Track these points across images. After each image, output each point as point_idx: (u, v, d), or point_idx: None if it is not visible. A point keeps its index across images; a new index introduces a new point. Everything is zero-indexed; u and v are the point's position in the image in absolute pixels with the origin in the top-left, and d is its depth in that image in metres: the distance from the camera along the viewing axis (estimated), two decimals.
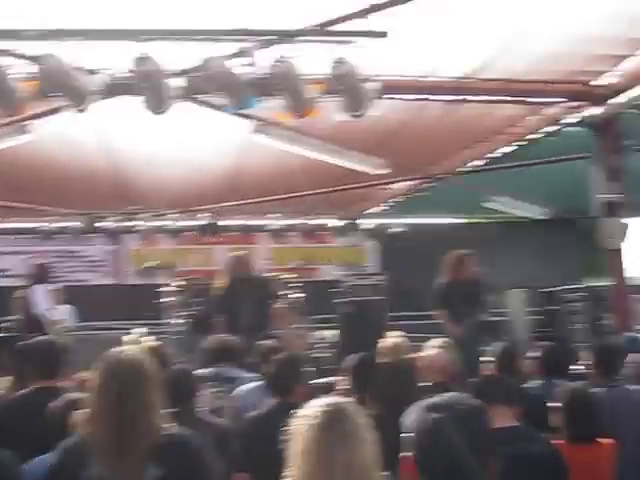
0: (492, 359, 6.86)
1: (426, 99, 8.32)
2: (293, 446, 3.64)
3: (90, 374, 4.54)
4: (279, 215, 15.11)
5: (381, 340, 8.44)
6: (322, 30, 6.37)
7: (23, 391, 6.13)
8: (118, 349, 4.19)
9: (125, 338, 14.44)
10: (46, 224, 14.93)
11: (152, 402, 3.92)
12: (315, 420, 3.62)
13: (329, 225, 16.14)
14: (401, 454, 2.70)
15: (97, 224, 15.06)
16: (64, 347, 6.47)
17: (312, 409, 3.69)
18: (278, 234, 15.65)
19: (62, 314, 12.46)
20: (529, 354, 7.86)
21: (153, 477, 3.81)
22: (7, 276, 18.50)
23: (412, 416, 2.69)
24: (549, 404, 5.92)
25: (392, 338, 8.52)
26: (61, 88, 6.26)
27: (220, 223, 15.31)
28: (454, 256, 11.66)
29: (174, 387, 4.41)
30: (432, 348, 7.98)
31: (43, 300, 12.24)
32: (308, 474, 3.56)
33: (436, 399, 2.78)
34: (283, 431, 4.99)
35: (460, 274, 11.61)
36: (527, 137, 9.97)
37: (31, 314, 12.50)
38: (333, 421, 3.61)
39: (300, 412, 3.71)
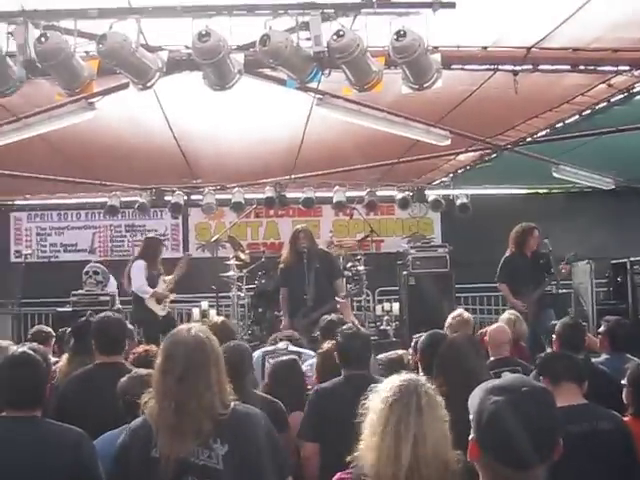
0: (558, 334, 6.77)
1: (492, 69, 8.17)
2: (368, 419, 3.67)
3: (155, 351, 4.58)
4: (343, 187, 15.04)
5: (448, 314, 8.43)
6: (388, 2, 6.29)
7: (87, 367, 6.22)
8: (183, 327, 4.23)
9: (193, 311, 14.73)
10: (112, 199, 15.05)
11: (216, 380, 3.95)
12: (391, 395, 3.64)
13: (393, 197, 16.03)
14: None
15: (162, 198, 15.14)
16: (125, 323, 6.57)
17: (388, 384, 3.71)
18: (342, 206, 15.59)
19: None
20: (597, 328, 7.78)
21: (218, 454, 3.84)
22: (74, 251, 18.79)
23: (476, 398, 2.64)
24: (617, 380, 5.84)
25: (460, 313, 8.50)
26: (125, 66, 6.29)
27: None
28: (520, 229, 11.58)
29: (229, 364, 4.41)
30: (499, 322, 7.94)
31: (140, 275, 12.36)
32: (381, 447, 3.56)
33: (499, 381, 2.74)
34: (354, 402, 5.05)
35: (526, 247, 11.52)
36: (595, 106, 9.76)
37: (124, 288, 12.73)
38: (408, 396, 3.62)
39: (377, 387, 3.75)
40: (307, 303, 10.81)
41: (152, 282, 12.27)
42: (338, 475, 4.67)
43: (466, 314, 8.50)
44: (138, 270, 12.37)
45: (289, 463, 4.79)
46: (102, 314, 6.79)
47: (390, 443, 3.48)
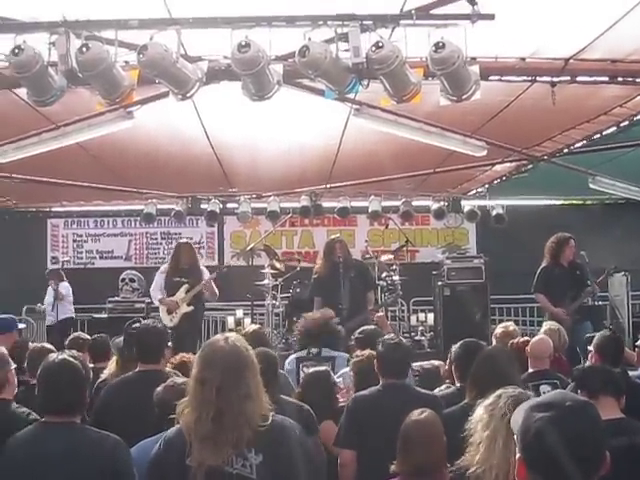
0: (597, 346, 6.73)
1: (530, 80, 8.16)
2: (476, 434, 3.70)
3: (191, 360, 4.61)
4: (378, 197, 15.03)
5: (483, 325, 8.43)
6: (427, 14, 6.30)
7: (127, 374, 6.28)
8: (219, 337, 4.24)
9: (228, 320, 14.76)
10: (148, 206, 15.15)
11: (253, 391, 3.97)
12: (498, 410, 3.67)
13: (429, 207, 16.01)
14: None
15: (198, 206, 15.21)
16: (165, 332, 6.61)
17: (498, 399, 3.75)
18: (377, 216, 15.57)
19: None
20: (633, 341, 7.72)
21: (253, 463, 3.85)
22: (110, 257, 18.94)
23: (519, 417, 2.63)
24: None
25: (507, 326, 8.52)
26: (165, 76, 6.34)
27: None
28: (556, 239, 11.52)
29: None
30: (541, 334, 7.91)
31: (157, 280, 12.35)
32: (489, 459, 3.59)
33: (542, 398, 2.73)
34: (393, 411, 5.08)
35: (562, 257, 11.46)
36: (633, 117, 9.70)
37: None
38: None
39: (483, 402, 3.79)
40: (342, 313, 10.80)
41: (170, 289, 12.02)
42: None
43: (516, 329, 8.55)
44: (157, 275, 12.31)
45: (322, 473, 4.83)
46: (143, 322, 6.85)
47: (506, 458, 3.51)
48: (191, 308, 11.89)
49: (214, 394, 3.87)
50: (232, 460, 3.85)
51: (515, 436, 2.64)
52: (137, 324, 7.00)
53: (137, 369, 6.21)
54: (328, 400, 6.47)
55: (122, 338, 7.37)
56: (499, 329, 8.41)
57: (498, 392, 3.89)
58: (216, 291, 12.17)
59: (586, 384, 5.15)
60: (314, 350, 7.98)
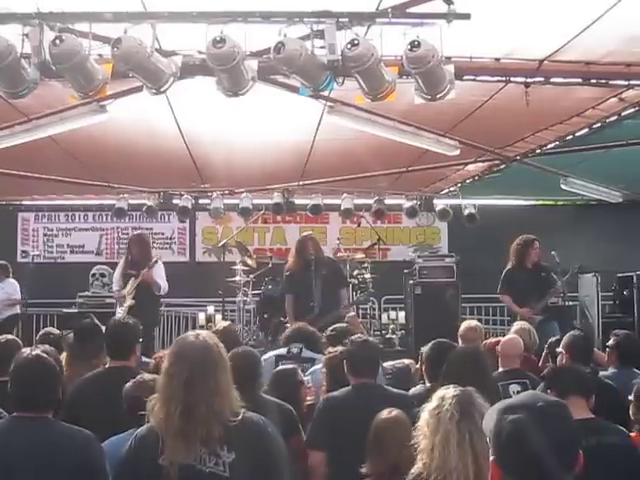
0: (568, 346, 6.76)
1: (504, 81, 8.18)
2: (425, 439, 3.68)
3: (163, 357, 4.60)
4: (351, 195, 15.05)
5: (454, 324, 8.46)
6: (403, 12, 6.29)
7: (97, 370, 6.25)
8: (190, 333, 4.24)
9: (199, 316, 14.73)
10: (120, 201, 15.08)
11: (222, 386, 3.96)
12: (444, 412, 3.66)
13: (401, 205, 16.03)
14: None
15: (170, 201, 15.16)
16: (136, 328, 6.58)
17: (442, 401, 3.73)
18: (350, 214, 15.59)
19: None
20: (605, 342, 7.76)
21: (225, 461, 3.84)
22: (81, 252, 18.83)
23: (490, 419, 2.63)
24: (624, 395, 5.83)
25: (470, 323, 8.54)
26: (139, 70, 6.30)
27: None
28: (521, 242, 11.60)
29: (238, 369, 4.44)
30: (511, 334, 7.95)
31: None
32: (447, 464, 3.57)
33: (513, 399, 2.72)
34: (364, 413, 5.05)
35: (526, 259, 11.53)
36: (606, 120, 9.75)
37: None
38: (467, 410, 3.64)
39: (429, 405, 3.77)
40: (313, 310, 10.81)
41: (124, 282, 11.95)
42: None
43: (479, 325, 8.58)
44: (117, 268, 12.31)
45: (294, 472, 4.80)
46: (114, 318, 6.84)
47: (467, 460, 3.51)
48: (132, 302, 11.61)
49: (183, 389, 3.85)
50: (205, 459, 3.83)
51: (487, 439, 2.64)
52: (87, 320, 7.00)
53: (107, 365, 6.18)
54: (293, 399, 6.38)
55: (72, 334, 7.37)
56: (462, 326, 8.43)
57: (440, 393, 3.88)
58: (159, 283, 11.95)
59: (556, 384, 5.17)
60: (295, 350, 7.91)
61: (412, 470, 3.83)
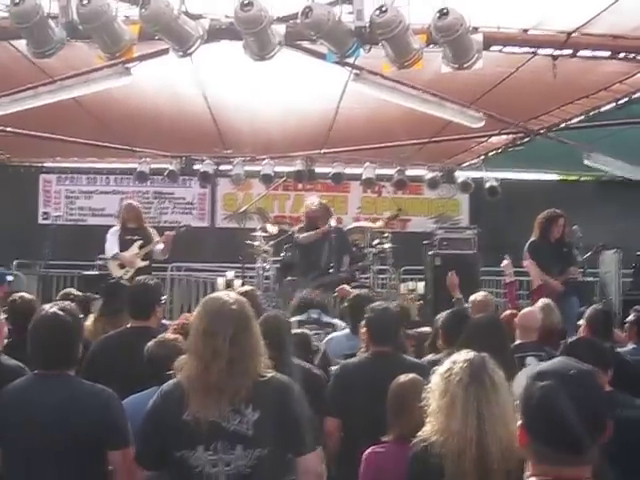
0: (589, 320, 6.75)
1: (531, 52, 8.12)
2: (434, 401, 3.70)
3: (192, 317, 4.61)
4: (373, 165, 15.01)
5: (471, 295, 8.45)
6: None
7: (119, 330, 6.29)
8: (219, 293, 4.26)
9: (218, 281, 14.76)
10: (141, 165, 15.09)
11: (253, 346, 3.97)
12: (454, 376, 3.67)
13: (422, 176, 15.97)
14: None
15: (192, 167, 15.16)
16: (158, 290, 6.62)
17: (453, 364, 3.74)
18: (371, 183, 15.56)
19: None
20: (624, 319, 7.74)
21: (250, 420, 3.87)
22: (102, 215, 18.88)
23: (521, 384, 2.63)
24: None
25: (481, 294, 8.53)
26: (166, 32, 6.30)
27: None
28: (546, 215, 11.52)
29: (270, 334, 4.45)
30: (532, 307, 7.92)
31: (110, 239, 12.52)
32: (449, 427, 3.59)
33: (544, 365, 2.70)
34: (381, 379, 5.05)
35: (550, 234, 11.46)
36: (632, 95, 9.68)
37: None
38: (477, 375, 3.65)
39: (440, 368, 3.78)
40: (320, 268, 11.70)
41: (124, 247, 12.08)
42: (372, 449, 4.71)
43: (488, 295, 8.57)
44: (110, 234, 12.42)
45: (319, 434, 4.82)
46: (137, 279, 6.87)
47: (468, 424, 3.52)
48: (146, 262, 12.07)
49: (228, 344, 3.86)
50: (229, 417, 3.85)
51: (516, 403, 2.64)
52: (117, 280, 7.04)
53: (128, 325, 6.22)
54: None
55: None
56: (474, 299, 8.41)
57: (453, 357, 3.88)
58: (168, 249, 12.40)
59: (573, 355, 5.16)
60: (314, 315, 7.99)
61: (420, 432, 3.84)
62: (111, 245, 12.18)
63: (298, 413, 4.04)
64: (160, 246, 12.07)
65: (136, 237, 12.08)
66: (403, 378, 4.93)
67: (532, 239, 11.50)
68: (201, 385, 3.85)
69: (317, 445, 4.21)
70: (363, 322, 6.17)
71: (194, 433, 3.82)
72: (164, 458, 3.96)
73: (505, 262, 11.00)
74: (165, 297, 6.82)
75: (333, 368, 6.41)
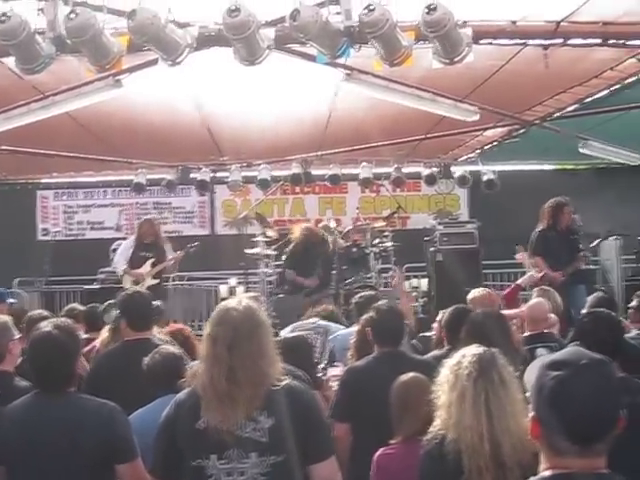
0: (591, 307, 6.73)
1: (521, 44, 8.10)
2: (444, 395, 3.69)
3: (189, 331, 4.60)
4: (369, 164, 15.00)
5: (472, 291, 8.43)
6: None
7: (115, 345, 6.26)
8: (231, 300, 4.24)
9: (221, 288, 14.78)
10: (138, 176, 15.09)
11: (267, 349, 3.94)
12: (463, 369, 3.66)
13: (420, 173, 15.97)
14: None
15: (188, 175, 15.16)
16: (154, 299, 6.60)
17: (462, 358, 3.73)
18: (369, 183, 15.56)
19: None
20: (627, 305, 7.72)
21: (264, 427, 3.83)
22: (101, 228, 18.89)
23: (533, 375, 2.59)
24: None
25: (481, 290, 8.52)
26: (155, 42, 6.28)
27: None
28: (553, 203, 11.50)
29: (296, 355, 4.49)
30: (535, 298, 7.90)
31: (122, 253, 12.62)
32: (461, 422, 3.58)
33: (556, 355, 2.64)
34: (389, 381, 5.02)
35: (559, 222, 11.44)
36: (624, 81, 9.65)
37: None
38: (486, 370, 3.64)
39: (449, 361, 3.77)
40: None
41: (136, 263, 12.32)
42: (381, 450, 4.69)
43: (488, 291, 8.56)
44: (122, 248, 12.51)
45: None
46: (131, 290, 6.84)
47: (477, 418, 3.52)
48: (157, 281, 12.30)
49: (226, 351, 3.84)
50: (243, 424, 3.81)
51: (528, 394, 2.61)
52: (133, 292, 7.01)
53: (126, 337, 6.16)
54: (308, 367, 6.35)
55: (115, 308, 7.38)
56: (474, 295, 8.35)
57: (462, 351, 3.87)
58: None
59: (580, 342, 5.14)
60: (312, 319, 8.13)
61: (430, 428, 3.83)
62: (121, 260, 12.25)
63: (313, 420, 4.00)
64: (170, 263, 12.34)
65: (150, 254, 12.30)
66: (405, 377, 4.92)
67: (540, 228, 11.48)
68: (213, 393, 3.83)
69: (333, 453, 4.14)
70: (362, 321, 6.20)
71: (208, 441, 3.79)
72: (179, 469, 3.92)
73: (520, 255, 11.00)
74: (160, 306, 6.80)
75: (338, 368, 6.42)
